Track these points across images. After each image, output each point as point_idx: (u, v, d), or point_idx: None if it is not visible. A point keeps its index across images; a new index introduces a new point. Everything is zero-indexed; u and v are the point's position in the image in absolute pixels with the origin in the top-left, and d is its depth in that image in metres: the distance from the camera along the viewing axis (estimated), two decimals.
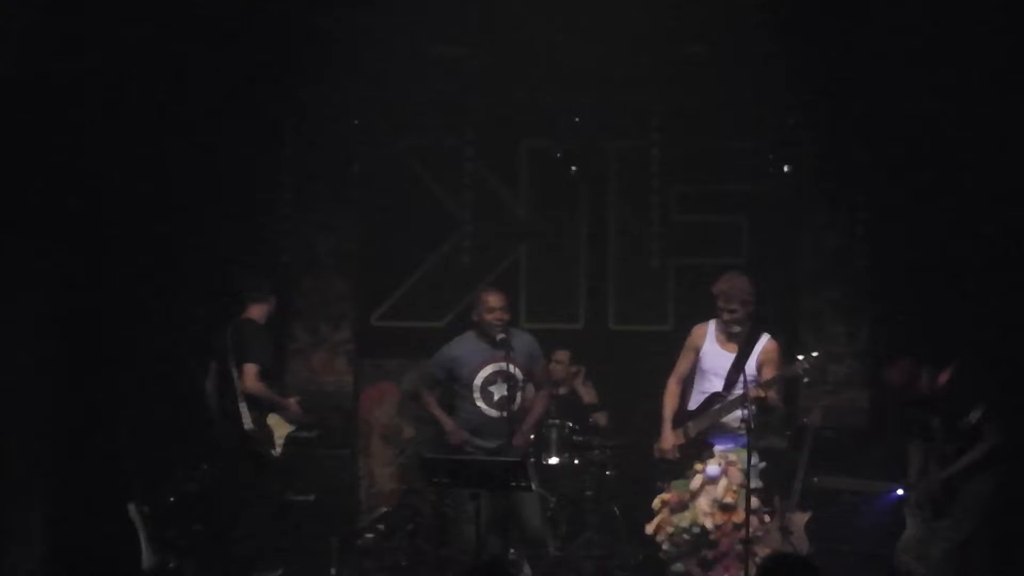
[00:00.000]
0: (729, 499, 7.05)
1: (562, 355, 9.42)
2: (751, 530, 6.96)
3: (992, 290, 8.36)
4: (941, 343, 8.23)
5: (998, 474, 7.21)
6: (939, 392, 7.31)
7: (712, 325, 7.33)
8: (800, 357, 7.27)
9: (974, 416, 7.15)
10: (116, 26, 7.62)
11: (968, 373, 7.31)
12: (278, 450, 8.22)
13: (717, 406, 7.20)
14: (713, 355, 7.27)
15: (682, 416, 7.34)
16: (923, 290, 8.95)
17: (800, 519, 8.37)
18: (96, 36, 7.60)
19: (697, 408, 7.29)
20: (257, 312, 8.39)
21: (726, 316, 7.18)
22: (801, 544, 8.26)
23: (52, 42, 7.43)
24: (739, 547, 6.99)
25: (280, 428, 8.28)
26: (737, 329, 7.20)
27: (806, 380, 7.52)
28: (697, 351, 7.33)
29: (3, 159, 7.31)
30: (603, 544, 8.77)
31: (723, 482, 7.09)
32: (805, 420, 8.83)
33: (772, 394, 7.14)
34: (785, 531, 8.31)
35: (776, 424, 9.67)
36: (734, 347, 7.23)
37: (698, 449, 7.18)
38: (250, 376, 8.09)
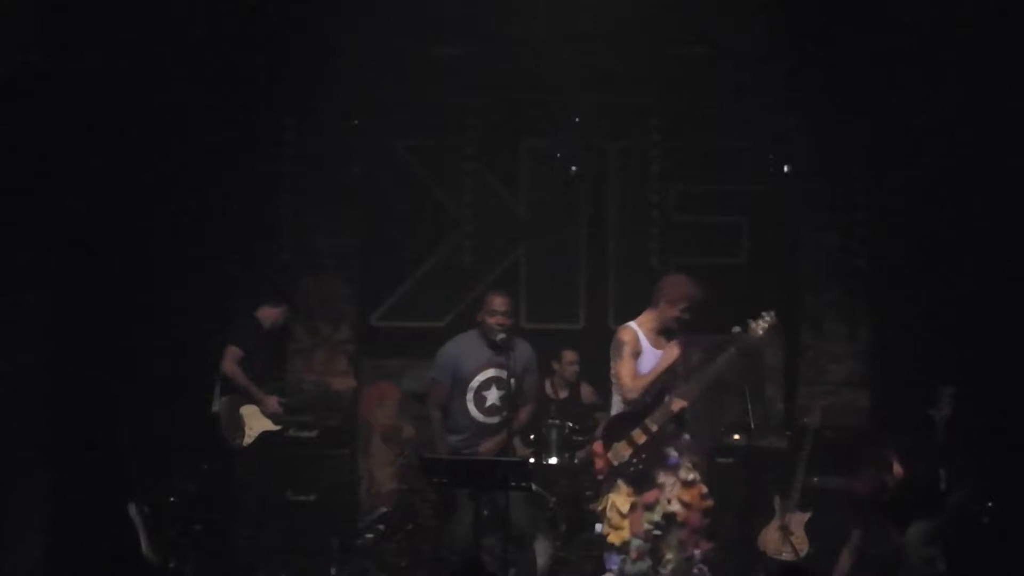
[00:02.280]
0: (691, 476, 7.16)
1: (571, 355, 9.38)
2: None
3: (992, 290, 8.36)
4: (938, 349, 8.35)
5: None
6: (901, 481, 7.81)
7: (637, 327, 7.26)
8: (736, 329, 7.15)
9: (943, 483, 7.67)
10: (116, 26, 7.62)
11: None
12: (245, 442, 8.24)
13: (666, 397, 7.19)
14: (651, 356, 7.21)
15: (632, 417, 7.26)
16: (923, 290, 8.94)
17: (800, 519, 8.38)
18: (96, 36, 7.60)
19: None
20: (265, 314, 8.55)
21: (677, 314, 7.16)
22: (801, 544, 8.27)
23: (52, 42, 7.43)
24: (706, 520, 7.15)
25: (255, 421, 8.30)
26: (676, 328, 7.22)
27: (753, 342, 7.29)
28: (638, 355, 7.23)
29: (3, 159, 7.31)
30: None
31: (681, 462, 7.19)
32: (805, 420, 8.84)
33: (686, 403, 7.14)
34: (785, 531, 8.33)
35: (776, 424, 9.72)
36: (663, 345, 7.23)
37: (655, 457, 7.16)
38: (228, 357, 8.28)
